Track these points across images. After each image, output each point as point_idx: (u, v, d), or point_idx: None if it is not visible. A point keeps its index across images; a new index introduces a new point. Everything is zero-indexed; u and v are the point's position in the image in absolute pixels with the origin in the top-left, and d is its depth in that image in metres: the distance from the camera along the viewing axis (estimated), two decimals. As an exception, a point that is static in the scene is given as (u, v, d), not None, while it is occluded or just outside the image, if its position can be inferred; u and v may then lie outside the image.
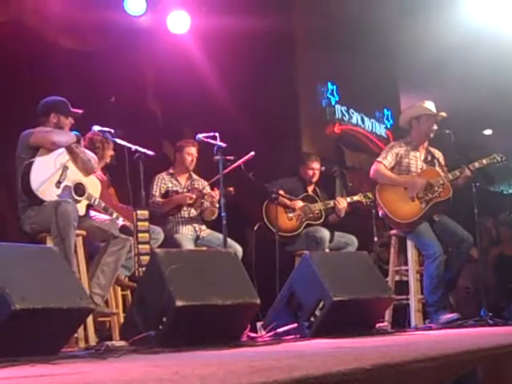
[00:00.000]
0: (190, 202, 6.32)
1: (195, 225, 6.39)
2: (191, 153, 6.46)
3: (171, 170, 6.52)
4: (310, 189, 7.11)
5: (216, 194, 6.25)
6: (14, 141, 5.04)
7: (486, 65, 10.28)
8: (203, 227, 6.43)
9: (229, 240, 5.81)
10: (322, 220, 6.89)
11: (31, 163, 4.81)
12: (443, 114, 6.23)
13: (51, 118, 5.10)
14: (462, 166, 6.06)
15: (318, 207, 6.92)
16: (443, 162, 6.33)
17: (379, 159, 6.24)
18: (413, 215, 6.06)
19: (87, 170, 5.15)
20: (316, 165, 7.10)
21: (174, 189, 6.41)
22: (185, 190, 6.45)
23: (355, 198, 6.95)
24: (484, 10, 9.38)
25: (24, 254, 3.67)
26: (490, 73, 10.47)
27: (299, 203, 6.86)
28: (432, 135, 6.24)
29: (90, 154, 5.19)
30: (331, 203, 6.92)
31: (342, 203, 6.86)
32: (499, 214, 10.29)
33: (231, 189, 6.26)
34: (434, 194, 6.07)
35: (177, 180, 6.49)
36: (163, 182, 6.41)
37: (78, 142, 5.10)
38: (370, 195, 6.81)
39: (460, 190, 6.19)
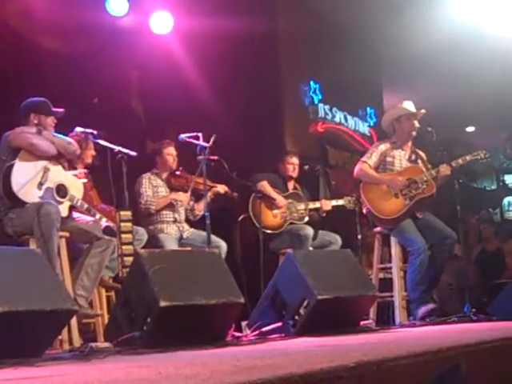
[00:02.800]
0: (185, 203, 6.33)
1: (179, 224, 6.38)
2: (171, 153, 6.44)
3: (156, 170, 6.50)
4: (291, 186, 7.14)
5: (223, 187, 6.34)
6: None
7: (468, 63, 10.35)
8: (186, 226, 6.43)
9: (213, 237, 5.83)
10: (305, 220, 6.91)
11: (12, 165, 4.78)
12: (422, 111, 6.27)
13: (31, 119, 5.06)
14: (439, 166, 6.11)
15: (303, 206, 6.94)
16: (426, 161, 6.37)
17: (364, 159, 6.27)
18: (397, 211, 6.09)
19: (70, 155, 5.11)
20: (295, 160, 7.14)
21: (160, 189, 6.39)
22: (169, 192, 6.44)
23: (340, 202, 7.00)
24: (468, 9, 9.43)
25: (6, 256, 3.65)
26: (473, 71, 10.53)
27: (284, 201, 6.87)
28: (414, 133, 6.27)
29: (69, 140, 5.14)
30: (316, 204, 6.95)
31: (327, 206, 6.91)
32: (481, 211, 10.36)
33: (235, 194, 6.32)
34: (417, 191, 6.11)
35: (162, 179, 6.46)
36: (150, 181, 6.39)
37: (40, 133, 5.03)
38: (353, 200, 6.86)
39: (443, 186, 6.22)
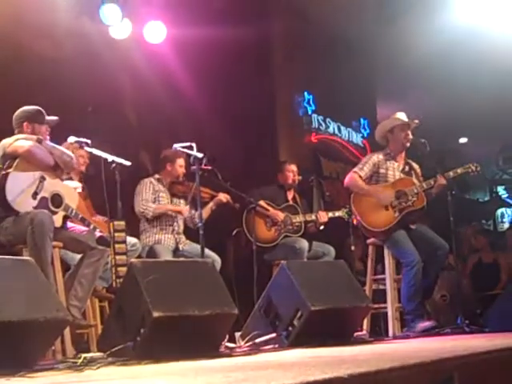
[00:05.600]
0: (185, 214, 6.32)
1: (177, 236, 6.37)
2: (182, 165, 6.45)
3: (158, 176, 6.48)
4: (290, 196, 7.12)
5: (225, 196, 6.37)
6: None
7: (462, 74, 10.39)
8: (183, 238, 6.42)
9: (207, 250, 5.81)
10: (300, 233, 6.89)
11: (7, 174, 4.77)
12: (416, 121, 6.29)
13: (25, 128, 5.04)
14: (436, 175, 6.12)
15: (299, 219, 6.92)
16: (420, 174, 6.39)
17: (355, 169, 6.27)
18: (386, 223, 6.09)
19: (68, 168, 5.11)
20: (294, 167, 7.14)
21: (162, 201, 6.37)
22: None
23: (337, 213, 6.96)
24: (462, 20, 9.47)
25: None
26: (466, 82, 10.57)
27: (281, 215, 6.85)
28: (408, 144, 6.29)
29: (69, 153, 5.13)
30: (312, 216, 6.94)
31: (323, 218, 6.89)
32: (473, 222, 10.39)
33: (237, 205, 6.32)
34: (407, 203, 6.11)
35: (164, 186, 6.44)
36: (152, 186, 6.37)
37: (40, 142, 5.02)
38: (348, 211, 6.84)
39: (436, 198, 6.23)
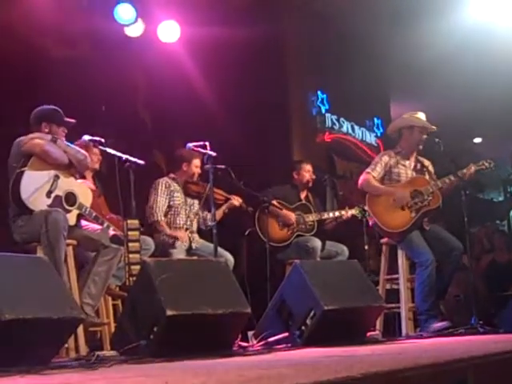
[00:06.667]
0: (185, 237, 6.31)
1: (190, 235, 6.36)
2: (198, 165, 6.42)
3: (173, 175, 6.47)
4: (303, 195, 7.11)
5: (238, 199, 6.39)
6: (4, 150, 5.02)
7: (476, 73, 10.35)
8: (197, 237, 6.41)
9: (220, 249, 5.80)
10: (313, 232, 6.88)
11: (22, 172, 4.79)
12: (434, 127, 6.25)
13: (43, 128, 5.06)
14: (451, 174, 6.08)
15: (312, 218, 6.91)
16: (432, 171, 6.35)
17: (368, 170, 6.24)
18: (403, 224, 6.06)
19: (82, 166, 5.12)
20: (310, 167, 7.13)
21: (176, 201, 6.36)
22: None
23: (350, 212, 6.94)
24: (476, 19, 9.43)
25: (14, 263, 3.65)
26: (481, 81, 10.53)
27: (292, 217, 6.84)
28: (421, 147, 6.27)
29: (83, 152, 5.15)
30: (337, 213, 6.95)
31: (346, 214, 6.91)
32: (487, 222, 10.33)
33: (250, 208, 6.41)
34: (423, 203, 6.07)
35: (179, 185, 6.43)
36: (167, 186, 6.36)
37: (55, 141, 5.03)
38: (361, 210, 6.82)
39: (450, 198, 6.20)
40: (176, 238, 6.20)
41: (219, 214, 6.27)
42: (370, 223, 6.30)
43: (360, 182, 6.26)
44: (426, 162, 6.38)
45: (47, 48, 6.61)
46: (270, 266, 6.18)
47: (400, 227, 6.07)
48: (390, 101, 11.97)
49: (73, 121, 5.17)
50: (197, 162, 6.41)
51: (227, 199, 6.41)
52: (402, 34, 9.64)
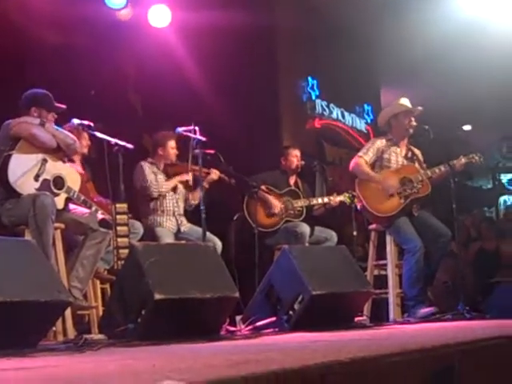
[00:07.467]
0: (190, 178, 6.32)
1: (178, 217, 6.36)
2: (174, 146, 6.41)
3: (151, 160, 6.46)
4: (293, 181, 7.10)
5: (215, 172, 6.35)
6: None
7: (466, 61, 10.35)
8: (184, 221, 6.41)
9: (208, 234, 5.80)
10: (302, 217, 6.88)
11: (10, 155, 4.77)
12: (419, 108, 6.28)
13: (32, 112, 5.03)
14: (441, 164, 6.11)
15: (301, 204, 6.91)
16: (422, 160, 6.38)
17: (360, 154, 6.26)
18: (392, 209, 6.09)
19: (70, 150, 5.10)
20: (297, 152, 7.12)
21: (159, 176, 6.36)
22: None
23: (339, 198, 6.94)
24: (467, 8, 9.46)
25: (1, 246, 3.64)
26: (471, 69, 10.54)
27: (278, 206, 6.83)
28: (412, 131, 6.28)
29: (72, 136, 5.12)
30: (314, 201, 6.94)
31: (335, 200, 6.91)
32: (475, 210, 10.38)
33: (233, 181, 6.44)
34: (412, 190, 6.10)
35: (159, 169, 6.42)
36: (150, 168, 6.36)
37: (43, 125, 5.01)
38: (350, 196, 6.82)
39: (439, 185, 6.23)
40: (186, 181, 6.32)
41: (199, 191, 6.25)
42: (359, 207, 6.32)
43: (351, 165, 6.27)
44: (417, 151, 6.41)
45: (36, 32, 6.56)
46: (259, 251, 6.18)
47: (388, 212, 6.09)
48: (381, 87, 11.97)
49: (63, 106, 5.14)
50: (172, 143, 6.39)
51: (207, 174, 6.37)
52: (393, 20, 9.64)
